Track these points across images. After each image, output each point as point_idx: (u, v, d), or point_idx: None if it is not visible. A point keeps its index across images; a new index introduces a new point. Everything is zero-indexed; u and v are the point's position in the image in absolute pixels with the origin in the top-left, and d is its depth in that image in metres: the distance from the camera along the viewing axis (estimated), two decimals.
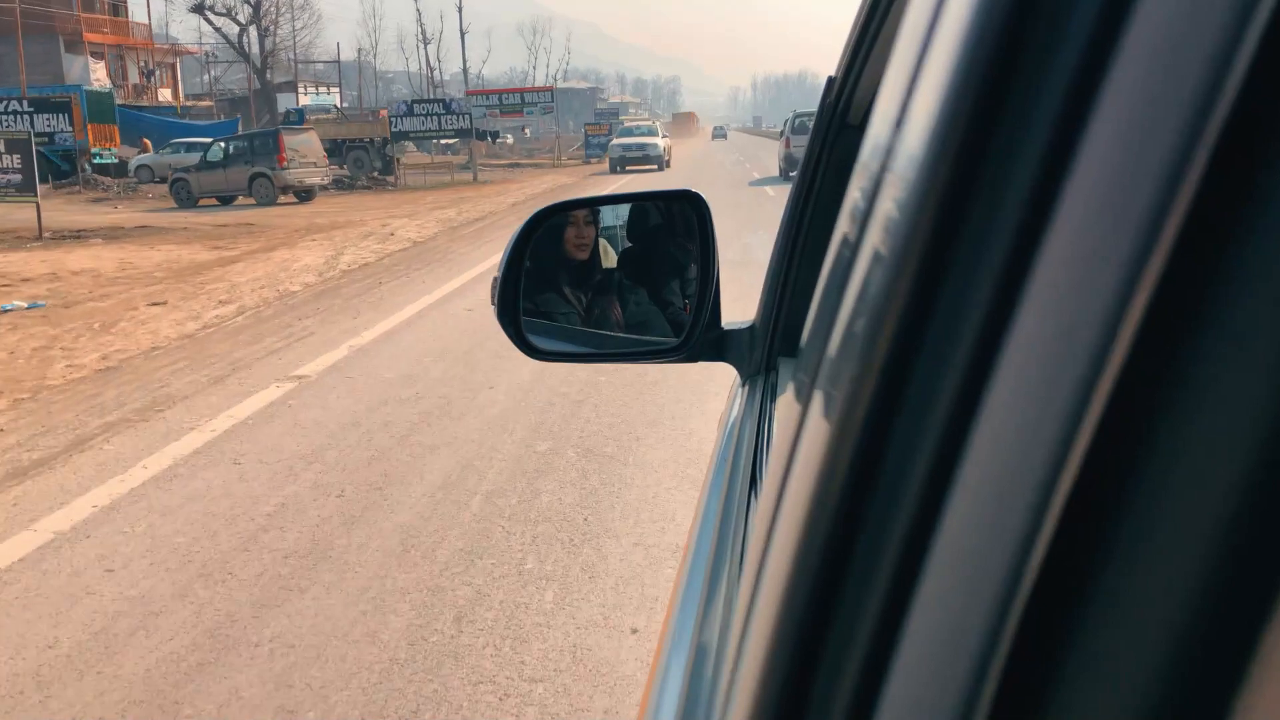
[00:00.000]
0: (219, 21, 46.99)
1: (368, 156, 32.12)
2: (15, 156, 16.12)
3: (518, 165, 39.65)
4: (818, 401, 0.43)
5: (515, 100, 37.86)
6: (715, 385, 5.75)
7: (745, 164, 35.01)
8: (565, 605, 3.27)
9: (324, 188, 28.28)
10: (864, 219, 0.41)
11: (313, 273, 11.50)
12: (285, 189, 24.48)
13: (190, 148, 29.68)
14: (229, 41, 48.02)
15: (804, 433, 0.45)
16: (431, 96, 33.61)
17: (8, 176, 16.15)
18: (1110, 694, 0.25)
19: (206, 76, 51.33)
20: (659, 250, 1.58)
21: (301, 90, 49.73)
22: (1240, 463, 0.23)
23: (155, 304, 9.50)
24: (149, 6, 43.27)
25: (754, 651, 0.44)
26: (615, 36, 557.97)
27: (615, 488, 4.27)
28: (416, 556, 3.68)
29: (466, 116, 29.80)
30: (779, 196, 17.77)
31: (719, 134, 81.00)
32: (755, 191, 20.95)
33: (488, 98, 38.14)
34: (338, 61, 54.21)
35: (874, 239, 0.38)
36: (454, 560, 3.63)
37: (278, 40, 55.54)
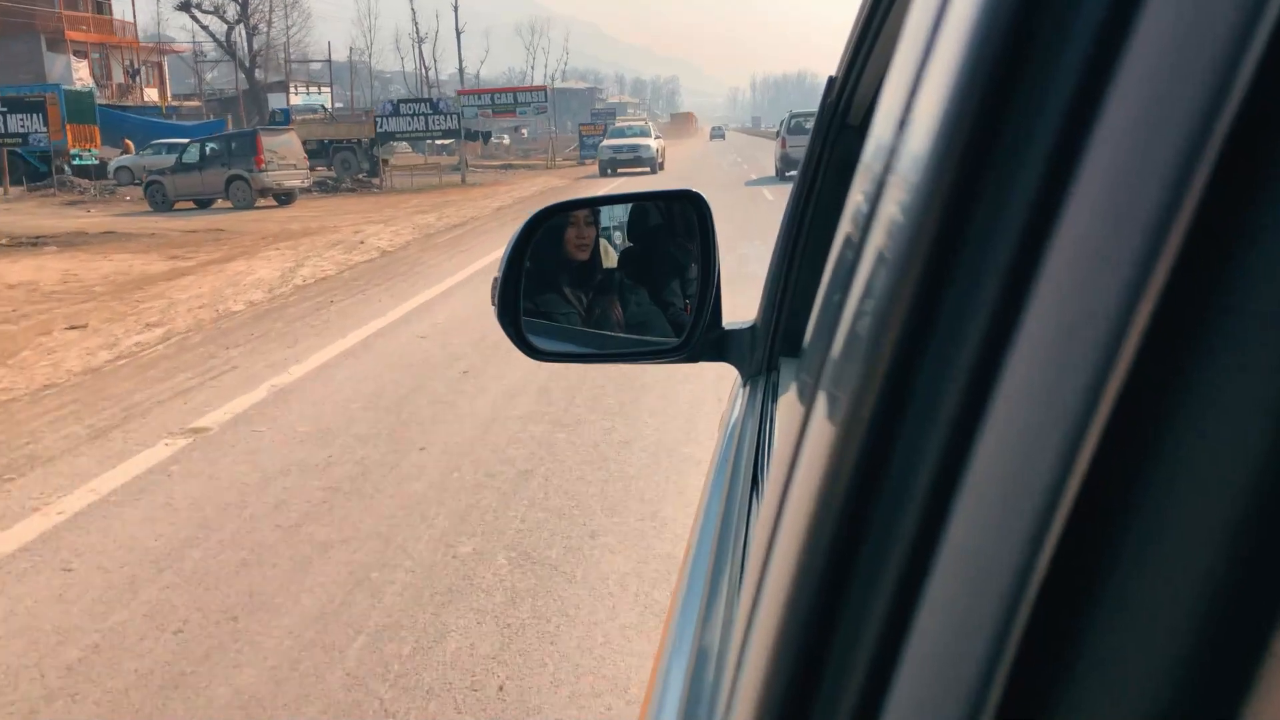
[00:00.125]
0: (206, 20, 45.82)
1: (355, 158, 30.96)
2: None
3: (511, 166, 38.49)
4: (821, 403, 0.43)
5: (508, 100, 36.65)
6: (699, 448, 4.57)
7: (742, 165, 33.81)
8: None
9: (306, 190, 27.19)
10: (867, 219, 0.41)
11: (263, 288, 10.35)
12: (264, 192, 23.34)
13: (172, 149, 28.48)
14: (216, 40, 46.81)
15: (807, 434, 0.45)
16: (423, 96, 32.32)
17: None
18: (1117, 699, 0.25)
19: (201, 77, 50.13)
20: (659, 250, 1.56)
21: (294, 90, 48.54)
22: (1247, 466, 0.23)
23: (73, 327, 8.34)
24: (134, 5, 41.99)
25: (757, 655, 0.43)
26: (615, 37, 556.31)
27: (552, 624, 3.10)
28: None
29: (455, 116, 28.58)
30: (777, 200, 16.65)
31: (717, 134, 79.90)
32: (752, 194, 19.77)
33: (479, 97, 36.92)
34: (328, 61, 53.05)
35: (877, 239, 0.37)
36: None
37: (270, 38, 54.40)
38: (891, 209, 0.36)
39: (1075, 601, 0.26)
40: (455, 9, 64.19)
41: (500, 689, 2.74)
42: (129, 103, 38.98)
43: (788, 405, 0.83)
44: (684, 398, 5.56)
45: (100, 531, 3.99)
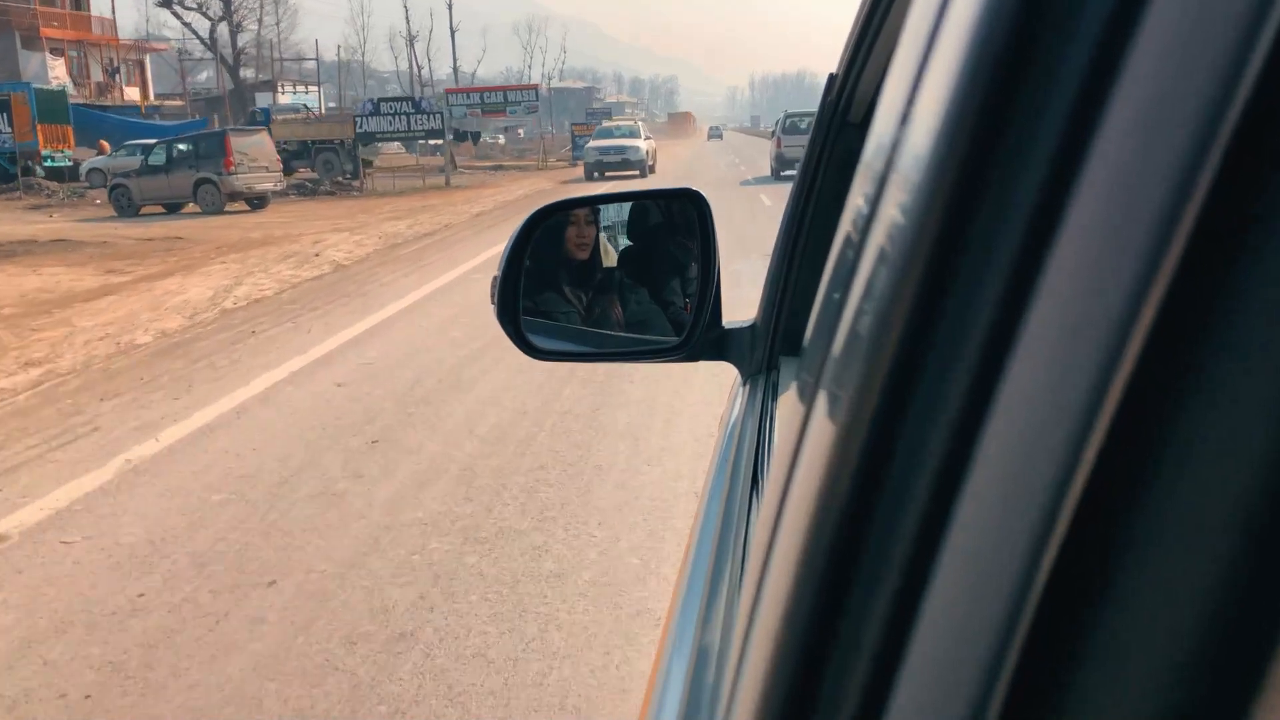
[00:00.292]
0: (189, 16, 44.29)
1: (338, 159, 29.52)
2: None
3: (501, 167, 37.04)
4: (822, 401, 0.43)
5: (497, 99, 35.19)
6: (660, 587, 3.17)
7: (740, 166, 32.35)
8: None
9: (283, 194, 25.78)
10: (868, 218, 0.40)
11: (186, 312, 8.95)
12: (234, 196, 21.93)
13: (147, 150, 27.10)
14: (199, 37, 45.29)
15: (808, 433, 0.44)
16: (405, 95, 30.80)
17: None
18: (1122, 701, 0.25)
19: (185, 76, 48.64)
20: (659, 249, 1.54)
21: (283, 90, 47.08)
22: (1252, 468, 0.22)
23: None
24: (114, 2, 40.52)
25: (757, 656, 0.43)
26: (615, 36, 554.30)
27: None
28: None
29: (438, 116, 27.11)
30: (776, 207, 15.26)
31: (714, 134, 78.58)
32: (749, 199, 18.33)
33: (468, 96, 35.49)
34: (316, 59, 51.56)
35: (879, 238, 0.37)
36: None
37: (260, 35, 52.96)
38: (893, 207, 0.35)
39: (1079, 603, 0.26)
40: (450, 7, 62.77)
41: None
42: (108, 102, 37.51)
43: (788, 404, 0.82)
44: (650, 488, 4.14)
45: None
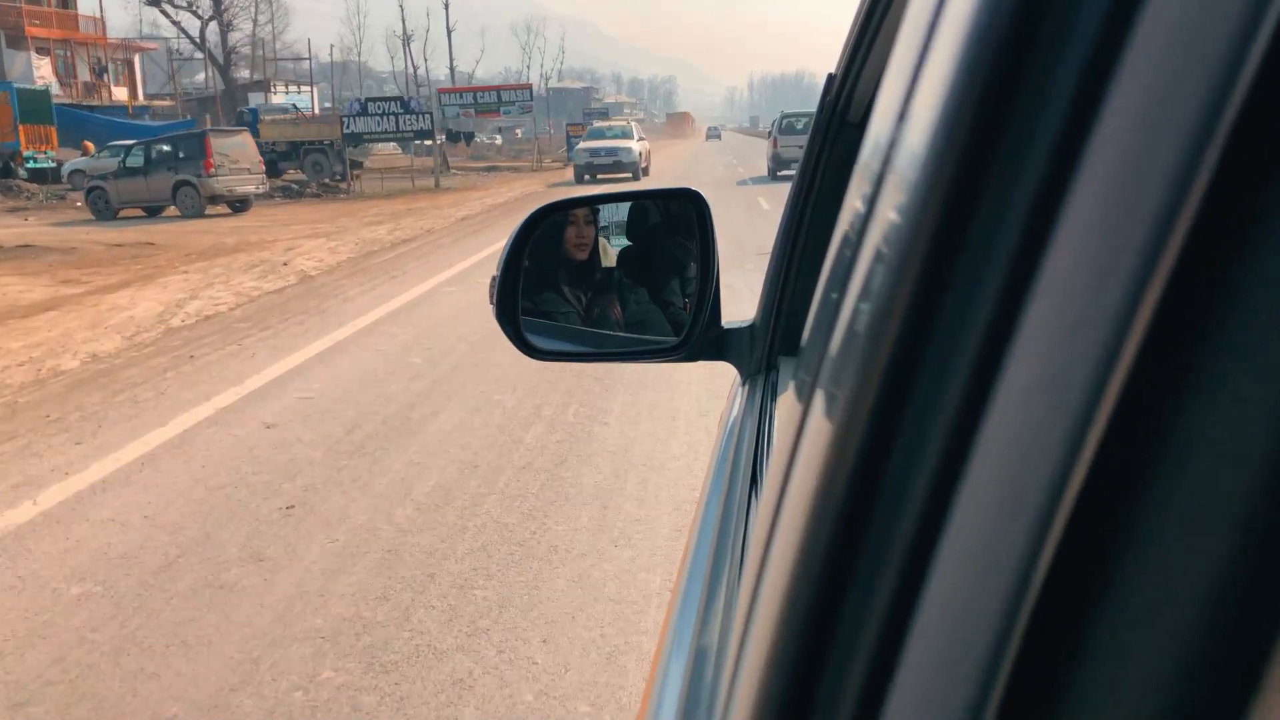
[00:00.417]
0: (179, 16, 43.31)
1: (327, 160, 28.63)
2: None
3: (495, 169, 36.11)
4: (819, 401, 0.43)
5: (491, 99, 34.34)
6: None
7: (738, 167, 31.46)
8: None
9: (268, 196, 24.90)
10: (865, 217, 0.40)
11: (127, 331, 8.08)
12: (214, 199, 21.06)
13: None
14: (188, 37, 44.34)
15: (805, 432, 0.44)
16: (396, 95, 29.84)
17: None
18: (1120, 700, 0.25)
19: (176, 76, 47.69)
20: (659, 249, 1.53)
21: (276, 90, 46.16)
22: (1250, 467, 0.22)
23: None
24: (101, 1, 39.56)
25: (755, 655, 0.43)
26: (614, 36, 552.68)
27: None
28: None
29: (427, 116, 26.21)
30: (774, 211, 14.39)
31: (713, 134, 77.78)
32: (746, 203, 17.45)
33: (461, 96, 34.64)
34: (309, 59, 50.64)
35: (876, 237, 0.37)
36: None
37: (255, 35, 52.07)
38: (890, 207, 0.35)
39: (1076, 603, 0.25)
40: (446, 7, 61.88)
41: None
42: (95, 102, 36.61)
43: (786, 404, 0.80)
44: (615, 582, 3.27)
45: None
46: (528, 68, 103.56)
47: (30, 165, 29.00)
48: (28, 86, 30.90)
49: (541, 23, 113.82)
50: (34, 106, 29.53)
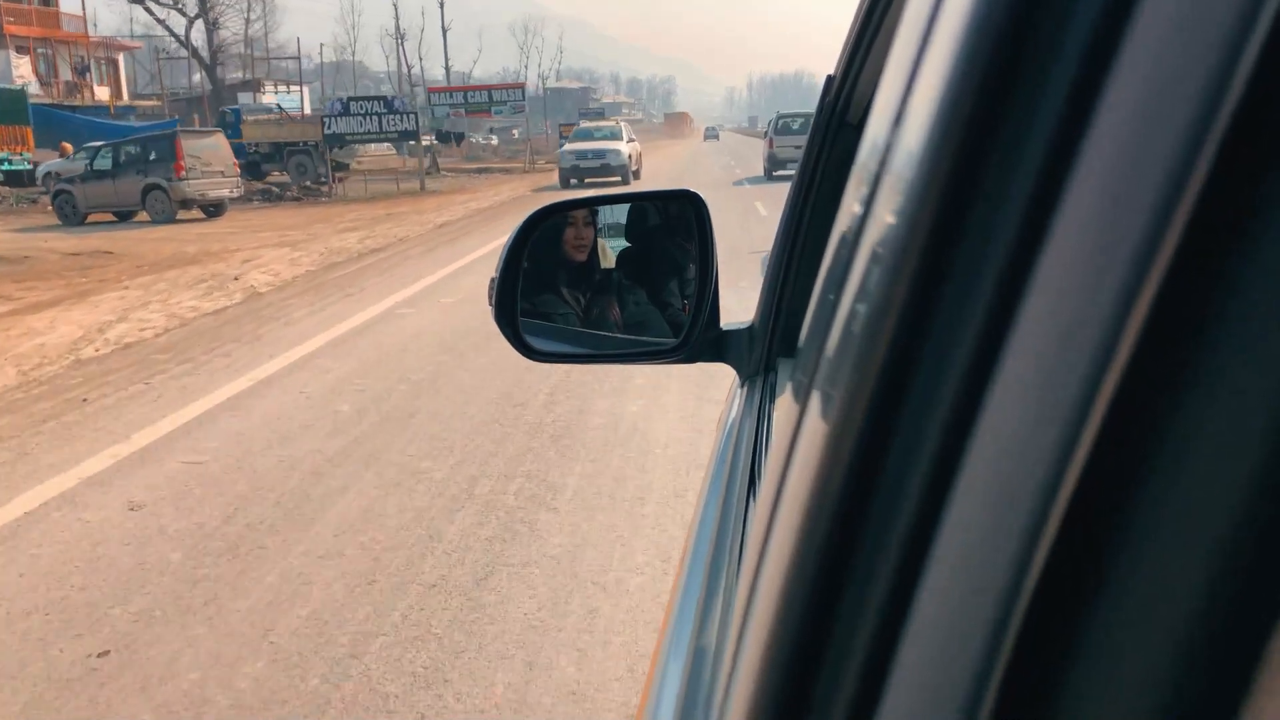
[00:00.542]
0: (163, 13, 42.08)
1: (311, 162, 27.50)
2: None
3: (487, 170, 34.93)
4: (816, 402, 0.43)
5: (482, 99, 33.19)
6: None
7: (735, 169, 30.32)
8: None
9: (246, 200, 23.79)
10: (862, 218, 0.40)
11: (27, 364, 6.97)
12: (186, 203, 19.93)
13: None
14: (173, 35, 43.12)
15: (802, 433, 0.44)
16: (378, 95, 28.58)
17: None
18: (1114, 701, 0.25)
19: (161, 75, 46.47)
20: (658, 250, 1.52)
21: (266, 90, 44.97)
22: (1245, 466, 0.22)
23: None
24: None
25: (751, 654, 0.43)
26: (613, 36, 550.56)
27: None
28: None
29: (411, 117, 25.06)
30: (772, 217, 13.28)
31: (711, 134, 76.71)
32: (742, 208, 16.32)
33: (451, 95, 33.51)
34: (299, 58, 49.46)
35: (872, 238, 0.37)
36: None
37: (247, 34, 50.86)
38: (886, 207, 0.35)
39: (1072, 602, 0.25)
40: (441, 5, 60.72)
41: None
42: (78, 102, 35.45)
43: (784, 405, 0.80)
44: None
45: None
46: (526, 68, 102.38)
47: (5, 167, 27.91)
48: (3, 86, 29.77)
49: (540, 22, 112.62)
50: (9, 106, 28.43)
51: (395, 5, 58.37)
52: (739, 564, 0.77)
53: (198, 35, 43.73)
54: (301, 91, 40.57)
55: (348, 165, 30.41)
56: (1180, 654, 0.23)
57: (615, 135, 24.72)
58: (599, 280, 1.47)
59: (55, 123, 31.96)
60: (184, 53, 43.70)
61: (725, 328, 1.34)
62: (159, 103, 40.87)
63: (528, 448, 4.67)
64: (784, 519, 0.42)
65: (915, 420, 0.31)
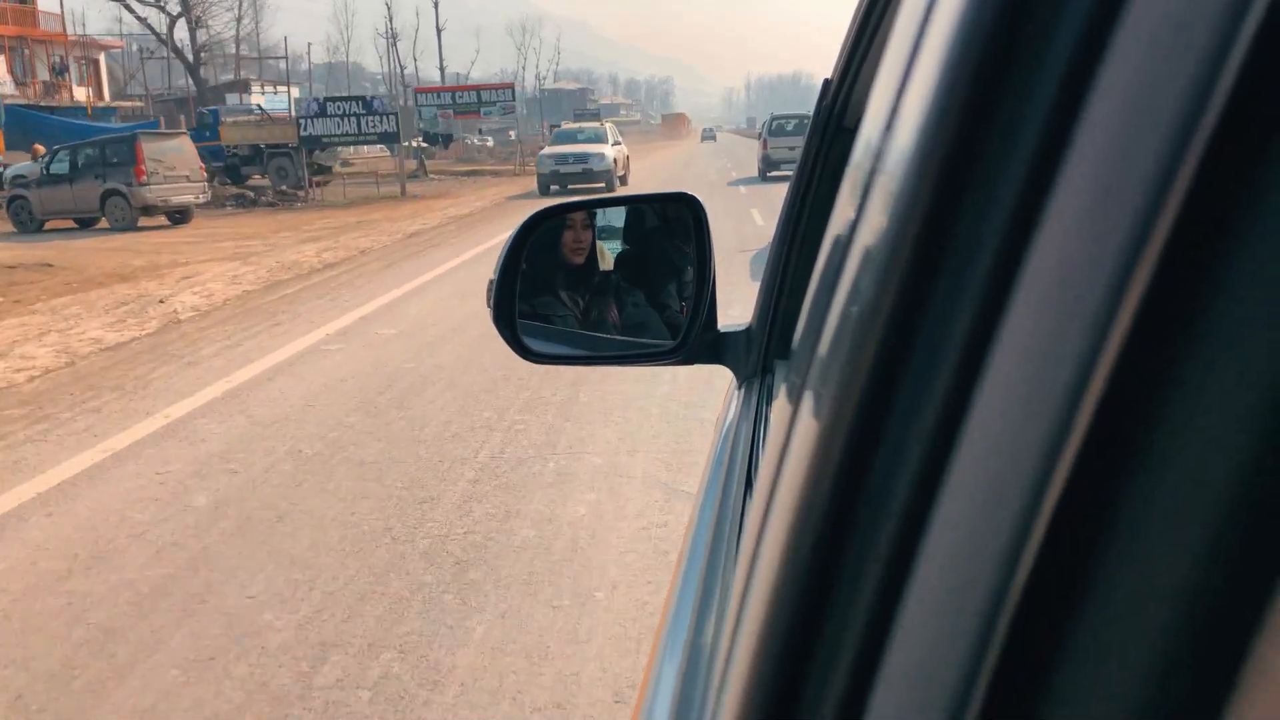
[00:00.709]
0: (145, 12, 40.56)
1: (292, 164, 26.04)
2: None
3: (476, 173, 33.47)
4: (807, 403, 0.42)
5: (471, 99, 31.73)
6: None
7: (732, 172, 28.88)
8: None
9: (220, 205, 22.42)
10: (854, 220, 0.40)
11: None
12: (148, 209, 18.52)
13: None
14: (155, 34, 41.63)
15: (794, 434, 0.44)
16: (357, 95, 26.97)
17: None
18: (1102, 700, 0.24)
19: (145, 75, 45.02)
20: (656, 252, 1.51)
21: (250, 90, 43.53)
22: (1232, 467, 0.22)
23: None
24: None
25: (743, 655, 0.43)
26: (611, 37, 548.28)
27: None
28: None
29: (392, 118, 23.64)
30: (769, 227, 11.87)
31: (708, 136, 75.34)
32: (738, 215, 14.89)
33: (439, 96, 32.09)
34: (286, 57, 47.95)
35: (864, 240, 0.37)
36: None
37: (238, 33, 49.53)
38: (877, 210, 0.35)
39: (1060, 601, 0.25)
40: (435, 5, 59.31)
41: None
42: (56, 103, 34.02)
43: (778, 407, 0.81)
44: None
45: None
46: (523, 69, 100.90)
47: None
48: None
49: (537, 23, 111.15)
50: None
51: (388, 5, 56.89)
52: (734, 565, 0.75)
53: (186, 35, 42.29)
54: (289, 92, 39.09)
55: (330, 168, 28.99)
56: (1167, 653, 0.23)
57: (599, 138, 22.43)
58: (597, 282, 1.46)
59: (30, 124, 30.52)
60: (155, 47, 42.20)
61: (723, 329, 1.32)
62: (141, 104, 39.42)
63: (418, 585, 3.26)
64: (776, 519, 0.42)
65: (905, 420, 0.30)
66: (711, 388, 5.42)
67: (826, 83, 1.26)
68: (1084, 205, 0.25)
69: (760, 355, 1.33)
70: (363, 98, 24.12)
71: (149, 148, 18.62)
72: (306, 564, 3.45)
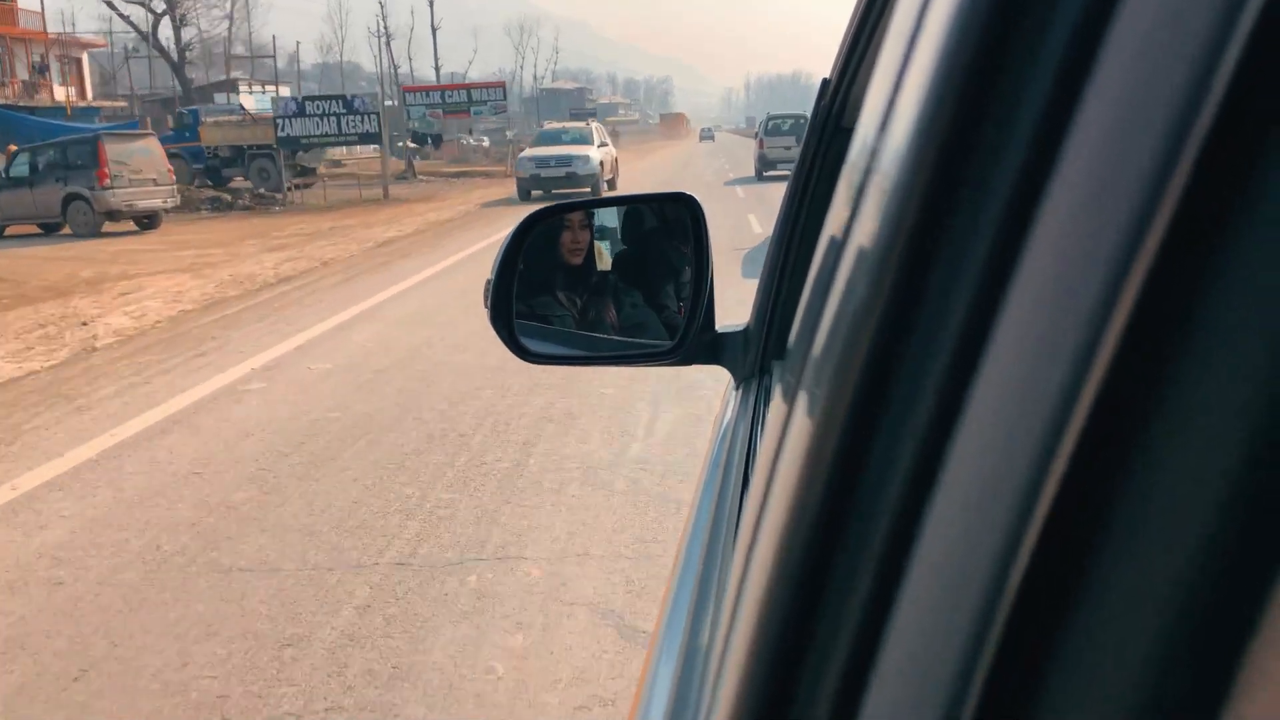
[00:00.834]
0: (128, 9, 39.38)
1: (274, 165, 24.94)
2: None
3: (466, 174, 32.35)
4: (801, 403, 0.43)
5: (460, 98, 30.64)
6: None
7: (729, 173, 27.76)
8: None
9: (193, 208, 21.35)
10: (850, 220, 0.40)
11: None
12: (113, 215, 17.42)
13: None
14: (139, 31, 40.45)
15: (788, 434, 0.44)
16: (336, 95, 25.68)
17: None
18: (1096, 702, 0.24)
19: (131, 75, 43.89)
20: (654, 253, 1.50)
21: (241, 89, 42.39)
22: (1226, 467, 0.22)
23: None
24: None
25: (737, 655, 0.43)
26: (610, 37, 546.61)
27: None
28: None
29: (373, 118, 22.53)
30: (768, 235, 10.77)
31: (706, 136, 74.31)
32: (734, 221, 13.78)
33: (428, 95, 31.00)
34: (273, 56, 46.82)
35: (859, 239, 0.37)
36: None
37: (230, 31, 48.41)
38: (872, 209, 0.35)
39: (1054, 601, 0.25)
40: (430, 4, 58.24)
41: None
42: (36, 103, 32.91)
43: (774, 407, 0.83)
44: None
45: None
46: (521, 68, 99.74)
47: None
48: None
49: (536, 23, 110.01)
50: None
51: (381, 3, 55.76)
52: (731, 565, 0.76)
53: (168, 33, 41.15)
54: (276, 91, 37.97)
55: (314, 170, 27.88)
56: (1162, 654, 0.23)
57: (584, 139, 20.50)
58: (595, 283, 1.46)
59: (9, 125, 29.44)
60: (155, 52, 41.07)
61: (721, 330, 1.32)
62: (124, 103, 38.29)
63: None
64: (770, 519, 0.42)
65: (899, 419, 0.30)
66: (693, 450, 4.35)
67: (825, 82, 1.26)
68: (1079, 202, 0.25)
69: (758, 355, 1.32)
70: (343, 96, 22.99)
71: (113, 149, 17.52)
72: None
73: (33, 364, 7.00)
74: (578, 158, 19.15)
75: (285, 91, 38.73)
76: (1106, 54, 0.24)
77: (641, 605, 3.00)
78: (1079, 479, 0.24)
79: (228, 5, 49.33)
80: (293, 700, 2.59)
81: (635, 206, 1.57)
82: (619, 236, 1.51)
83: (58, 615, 3.14)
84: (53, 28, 40.96)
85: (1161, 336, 0.23)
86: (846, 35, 1.09)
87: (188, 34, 42.24)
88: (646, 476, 4.12)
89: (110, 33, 46.60)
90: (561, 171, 18.97)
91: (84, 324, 8.45)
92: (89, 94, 38.71)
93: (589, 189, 18.64)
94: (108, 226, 17.47)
